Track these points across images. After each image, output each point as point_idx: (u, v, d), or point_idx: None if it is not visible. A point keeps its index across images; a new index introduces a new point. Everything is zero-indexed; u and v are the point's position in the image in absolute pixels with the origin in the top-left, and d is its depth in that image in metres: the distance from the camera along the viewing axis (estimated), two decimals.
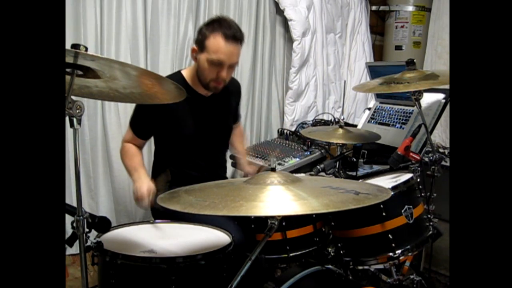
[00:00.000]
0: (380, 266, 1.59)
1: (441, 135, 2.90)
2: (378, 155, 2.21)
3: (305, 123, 2.79)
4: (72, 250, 2.10)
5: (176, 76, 1.84)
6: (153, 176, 1.98)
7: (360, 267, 1.60)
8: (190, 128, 1.82)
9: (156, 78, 1.26)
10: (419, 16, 3.44)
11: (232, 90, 1.98)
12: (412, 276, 1.68)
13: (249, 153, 2.41)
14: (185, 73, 1.85)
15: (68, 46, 1.00)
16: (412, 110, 2.28)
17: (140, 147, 1.87)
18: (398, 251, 1.50)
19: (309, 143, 2.34)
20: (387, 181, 1.69)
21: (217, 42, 1.66)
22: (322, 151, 2.28)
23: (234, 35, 1.67)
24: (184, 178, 1.85)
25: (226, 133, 1.99)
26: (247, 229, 1.64)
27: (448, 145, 2.41)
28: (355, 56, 3.40)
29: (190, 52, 1.82)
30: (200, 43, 1.71)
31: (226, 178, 2.08)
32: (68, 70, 1.09)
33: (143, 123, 1.82)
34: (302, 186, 1.08)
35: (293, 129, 2.77)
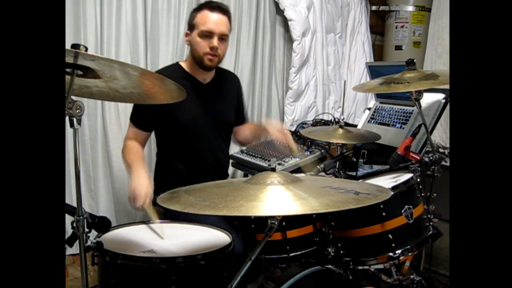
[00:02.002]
0: (380, 266, 1.58)
1: (441, 135, 2.90)
2: (378, 155, 2.20)
3: (305, 123, 2.79)
4: (72, 250, 2.10)
5: (174, 66, 1.92)
6: (156, 174, 1.98)
7: (360, 267, 1.60)
8: (189, 113, 1.83)
9: (156, 78, 1.26)
10: (419, 16, 3.44)
11: (231, 80, 2.03)
12: (412, 276, 1.68)
13: (249, 153, 2.41)
14: (183, 63, 1.92)
15: (68, 46, 1.00)
16: (412, 110, 2.27)
17: (142, 144, 1.87)
18: (398, 251, 1.50)
19: (309, 143, 2.34)
20: (387, 181, 1.68)
21: (204, 15, 1.78)
22: (322, 151, 2.28)
23: (219, 6, 1.81)
24: (184, 175, 1.85)
25: (225, 122, 1.97)
26: (247, 229, 1.64)
27: (448, 145, 2.41)
28: (355, 56, 3.40)
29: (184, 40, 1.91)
30: (190, 25, 1.83)
31: (227, 171, 2.07)
32: (68, 70, 1.09)
33: (144, 114, 1.83)
34: (302, 186, 1.08)
35: (293, 129, 2.77)
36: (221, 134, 1.96)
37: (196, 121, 1.85)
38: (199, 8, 1.82)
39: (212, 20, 1.76)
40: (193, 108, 1.84)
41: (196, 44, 1.79)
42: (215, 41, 1.77)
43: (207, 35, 1.76)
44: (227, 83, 1.97)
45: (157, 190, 1.93)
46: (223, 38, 1.80)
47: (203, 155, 1.89)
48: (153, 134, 1.94)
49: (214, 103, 1.90)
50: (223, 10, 1.80)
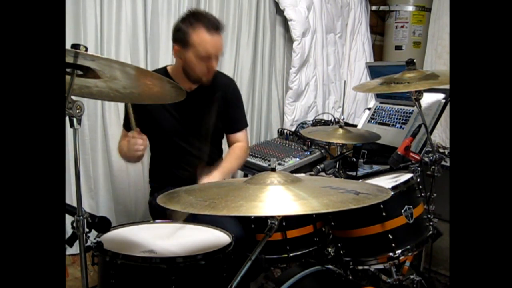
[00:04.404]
0: (380, 266, 1.58)
1: (441, 135, 2.90)
2: (378, 155, 2.20)
3: (305, 123, 2.79)
4: (72, 250, 2.10)
5: (161, 71, 1.87)
6: (151, 177, 1.98)
7: (360, 267, 1.60)
8: (172, 121, 1.83)
9: (156, 78, 1.26)
10: (419, 16, 3.44)
11: (218, 85, 1.91)
12: (412, 276, 1.68)
13: (249, 153, 2.41)
14: (170, 68, 1.88)
15: (68, 46, 1.00)
16: (412, 110, 2.27)
17: None
18: (398, 251, 1.50)
19: (309, 143, 2.34)
20: (387, 181, 1.69)
21: (201, 37, 1.69)
22: (322, 151, 2.28)
23: (215, 25, 1.71)
24: (177, 178, 1.85)
25: (209, 128, 1.91)
26: (247, 229, 1.64)
27: (448, 145, 2.41)
28: (355, 56, 3.40)
29: (172, 52, 1.80)
30: (182, 41, 1.72)
31: None
32: (68, 70, 1.09)
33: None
34: (302, 186, 1.08)
35: (293, 129, 2.77)
36: (208, 139, 1.91)
37: (180, 129, 1.84)
38: (192, 24, 1.70)
39: (211, 43, 1.70)
40: (176, 116, 1.83)
41: (193, 65, 1.73)
42: (214, 63, 1.74)
43: (206, 57, 1.71)
44: (213, 89, 1.88)
45: (153, 191, 1.95)
46: (218, 56, 1.77)
47: (192, 160, 1.86)
48: None
49: (197, 111, 1.86)
50: (219, 28, 1.72)
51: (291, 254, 1.61)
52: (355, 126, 2.58)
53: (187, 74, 1.79)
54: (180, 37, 1.73)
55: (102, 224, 1.18)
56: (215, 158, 1.99)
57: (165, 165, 1.90)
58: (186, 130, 1.86)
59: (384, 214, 1.50)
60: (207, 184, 1.24)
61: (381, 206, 1.50)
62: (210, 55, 1.72)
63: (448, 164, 1.98)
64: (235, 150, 1.95)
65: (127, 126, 1.84)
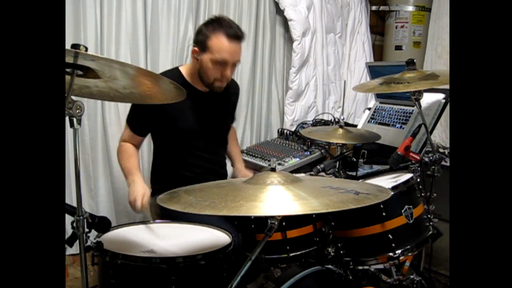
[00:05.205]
0: (380, 266, 1.58)
1: (441, 135, 2.90)
2: (378, 155, 2.20)
3: (305, 123, 2.79)
4: (72, 250, 2.10)
5: (174, 73, 1.87)
6: (152, 177, 1.98)
7: (360, 267, 1.60)
8: (187, 122, 1.83)
9: (157, 78, 1.26)
10: (419, 16, 3.44)
11: (231, 90, 1.98)
12: (412, 276, 1.68)
13: (249, 153, 2.41)
14: (183, 70, 1.87)
15: (68, 46, 1.00)
16: (412, 110, 2.28)
17: (137, 146, 1.88)
18: (398, 251, 1.50)
19: (309, 143, 2.34)
20: (387, 181, 1.69)
21: (220, 42, 1.69)
22: (322, 151, 2.28)
23: (236, 34, 1.72)
24: (183, 178, 1.85)
25: (223, 129, 2.00)
26: (247, 229, 1.64)
27: (448, 145, 2.41)
28: (355, 56, 3.40)
29: (190, 52, 1.82)
30: (202, 43, 1.73)
31: (226, 175, 2.07)
32: (68, 70, 1.09)
33: (141, 119, 1.82)
34: (302, 186, 1.08)
35: (293, 129, 2.77)
36: (220, 139, 1.97)
37: (196, 129, 1.84)
38: (214, 28, 1.71)
39: (228, 50, 1.70)
40: (193, 116, 1.83)
41: (208, 69, 1.74)
42: (228, 71, 1.74)
43: (221, 63, 1.71)
44: (226, 91, 1.89)
45: (155, 193, 1.94)
46: (235, 64, 1.77)
47: (202, 160, 1.88)
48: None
49: (213, 111, 1.89)
50: (239, 37, 1.73)
51: (291, 254, 1.61)
52: (355, 126, 2.58)
53: (201, 77, 1.80)
54: (200, 40, 1.75)
55: (102, 224, 1.18)
56: (222, 160, 2.01)
57: (172, 166, 1.89)
58: (202, 130, 1.86)
59: (384, 214, 1.50)
60: (207, 184, 1.24)
61: (381, 206, 1.50)
62: (226, 61, 1.71)
63: (448, 164, 1.98)
64: (233, 135, 2.18)
65: (133, 126, 1.83)
